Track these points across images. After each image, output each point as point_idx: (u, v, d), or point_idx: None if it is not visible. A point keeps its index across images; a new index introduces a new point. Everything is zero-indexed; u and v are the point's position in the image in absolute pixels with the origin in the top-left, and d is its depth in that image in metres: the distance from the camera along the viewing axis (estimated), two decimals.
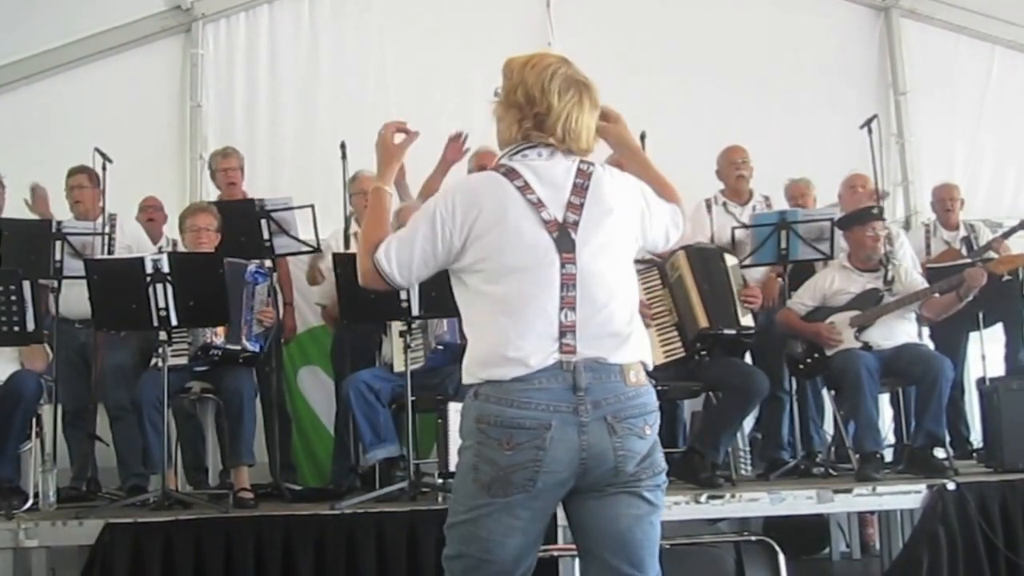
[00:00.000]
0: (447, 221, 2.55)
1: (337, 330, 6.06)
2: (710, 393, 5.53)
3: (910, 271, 5.85)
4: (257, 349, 5.33)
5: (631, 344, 2.55)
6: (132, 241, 5.98)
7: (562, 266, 2.51)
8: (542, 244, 2.51)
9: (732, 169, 6.32)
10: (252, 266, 5.44)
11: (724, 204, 6.30)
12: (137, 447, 5.20)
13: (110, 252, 5.77)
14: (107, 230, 5.83)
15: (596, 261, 2.54)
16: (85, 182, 5.99)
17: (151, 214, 6.50)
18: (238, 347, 5.23)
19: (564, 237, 2.53)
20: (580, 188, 2.58)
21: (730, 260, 5.54)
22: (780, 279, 6.03)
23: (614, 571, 2.53)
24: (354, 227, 6.00)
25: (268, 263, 5.72)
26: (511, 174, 2.57)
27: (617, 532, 2.52)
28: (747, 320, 5.41)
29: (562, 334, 2.48)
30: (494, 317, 2.52)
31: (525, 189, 2.55)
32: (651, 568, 2.55)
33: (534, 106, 2.59)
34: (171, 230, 6.40)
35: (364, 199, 6.04)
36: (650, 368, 2.62)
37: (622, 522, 2.51)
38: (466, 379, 2.56)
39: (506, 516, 2.47)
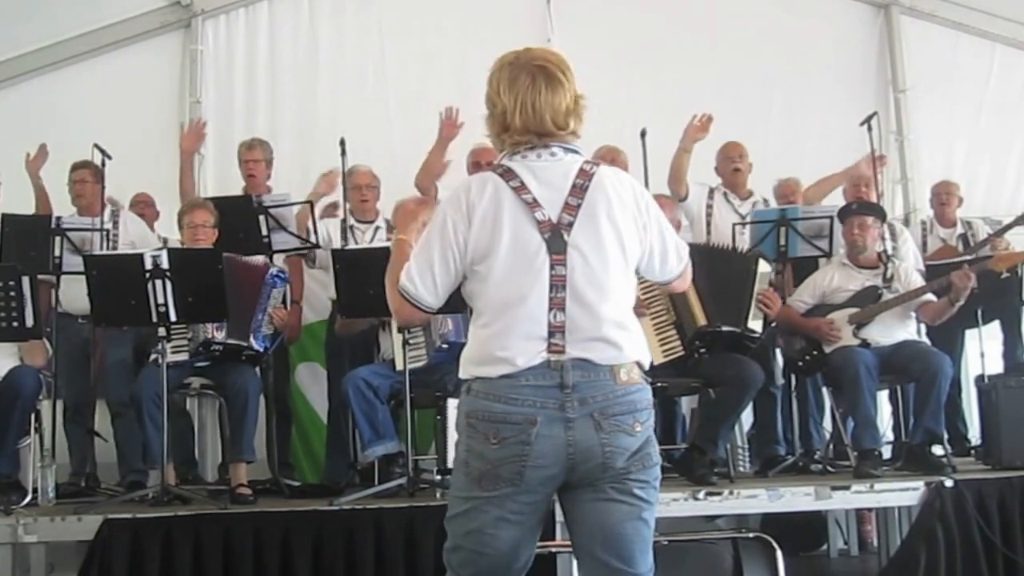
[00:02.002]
0: (458, 223, 2.56)
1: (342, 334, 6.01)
2: (710, 390, 5.53)
3: (909, 269, 5.85)
4: (262, 348, 5.32)
5: (623, 345, 2.55)
6: (136, 237, 5.99)
7: (552, 267, 2.51)
8: (533, 245, 2.52)
9: (728, 164, 6.34)
10: (274, 269, 5.47)
11: (725, 194, 6.31)
12: (138, 443, 5.20)
13: (113, 248, 5.77)
14: (107, 226, 5.84)
15: (588, 263, 2.54)
16: (88, 177, 5.98)
17: (141, 209, 6.50)
18: (244, 343, 5.22)
19: (556, 238, 2.53)
20: (579, 189, 2.58)
21: (764, 267, 5.46)
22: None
23: (604, 566, 2.54)
24: (350, 220, 6.02)
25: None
26: (507, 174, 2.58)
27: (606, 527, 2.53)
28: (756, 324, 5.40)
29: (551, 334, 2.50)
30: (486, 316, 2.56)
31: (520, 189, 2.55)
32: (642, 564, 2.56)
33: (496, 109, 2.61)
34: (162, 226, 6.42)
35: (360, 193, 6.05)
36: (646, 367, 2.62)
37: (611, 517, 2.53)
38: (461, 374, 2.59)
39: (497, 509, 2.50)
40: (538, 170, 2.59)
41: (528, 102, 2.57)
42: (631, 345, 2.57)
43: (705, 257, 5.42)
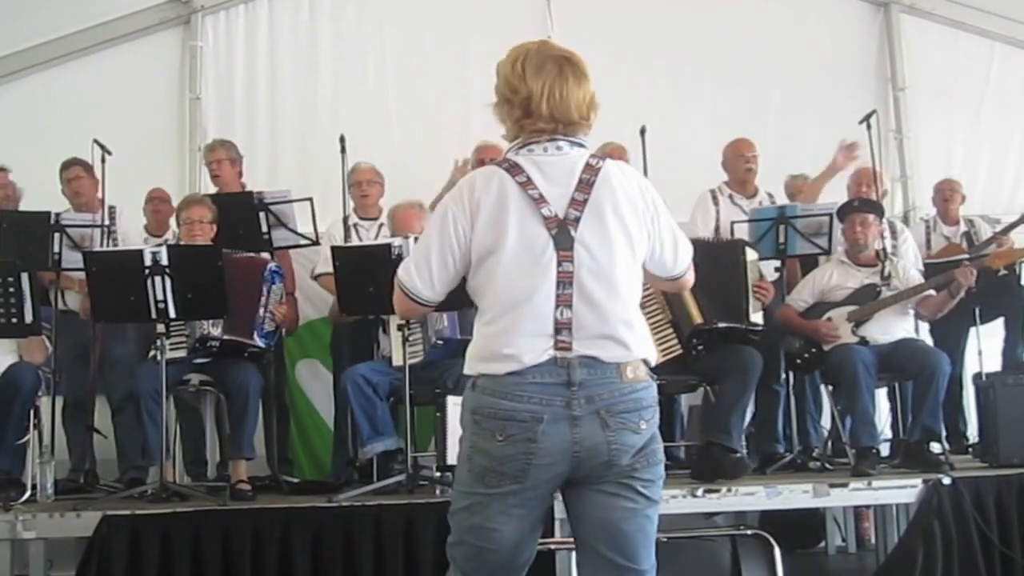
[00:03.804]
0: (459, 217, 2.56)
1: (336, 323, 6.05)
2: (708, 388, 5.53)
3: (908, 267, 5.86)
4: (264, 345, 5.33)
5: (630, 343, 2.54)
6: (123, 235, 5.96)
7: (559, 264, 2.50)
8: (540, 241, 2.51)
9: (741, 162, 6.22)
10: (272, 264, 5.47)
11: (730, 196, 6.22)
12: (137, 439, 5.20)
13: (112, 244, 5.77)
14: (107, 222, 5.82)
15: (595, 259, 2.52)
16: (81, 173, 5.98)
17: (156, 206, 6.45)
18: (247, 340, 5.23)
19: (563, 234, 2.51)
20: (585, 184, 2.56)
21: (751, 255, 5.48)
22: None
23: (607, 562, 2.55)
24: (353, 218, 6.01)
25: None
26: (513, 169, 2.57)
27: (610, 524, 2.53)
28: (757, 317, 5.40)
29: (557, 331, 2.49)
30: (492, 312, 2.54)
31: (527, 185, 2.54)
32: (644, 560, 2.56)
33: (518, 94, 2.59)
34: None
35: (361, 189, 6.05)
36: (652, 364, 2.62)
37: (616, 514, 2.53)
38: (467, 370, 2.59)
39: (500, 505, 2.50)
40: (544, 165, 2.57)
41: (556, 90, 2.56)
42: (638, 343, 2.57)
43: (696, 252, 5.43)
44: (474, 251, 2.56)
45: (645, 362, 2.59)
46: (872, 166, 6.23)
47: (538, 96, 2.57)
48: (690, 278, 2.85)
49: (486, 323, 2.57)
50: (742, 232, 5.91)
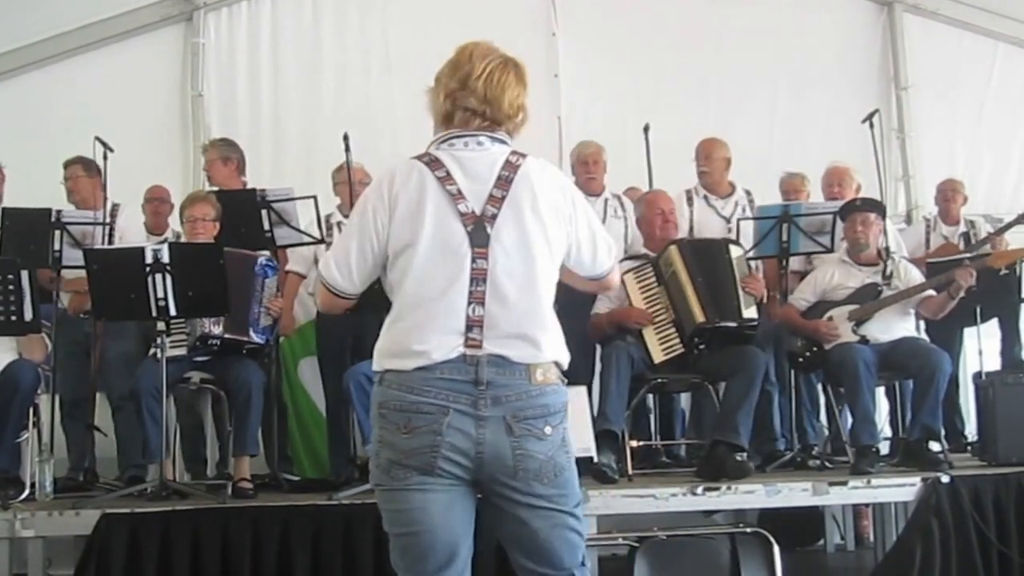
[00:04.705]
0: (379, 210, 2.55)
1: (322, 321, 6.02)
2: (710, 386, 5.53)
3: (909, 267, 5.86)
4: (263, 341, 5.33)
5: (542, 344, 2.52)
6: (121, 233, 5.96)
7: (473, 260, 2.48)
8: (456, 237, 2.49)
9: (696, 166, 6.27)
10: (262, 258, 5.45)
11: (705, 197, 6.22)
12: (138, 437, 5.19)
13: (111, 241, 5.78)
14: (108, 219, 5.83)
15: (510, 257, 2.51)
16: (80, 172, 5.98)
17: (156, 207, 6.44)
18: (243, 338, 5.22)
19: (479, 231, 2.50)
20: (504, 181, 2.55)
21: (735, 251, 5.50)
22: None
23: (533, 572, 2.55)
24: (337, 216, 6.00)
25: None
26: (433, 164, 2.56)
27: (527, 539, 2.53)
28: (750, 312, 5.40)
29: (469, 328, 2.47)
30: (405, 308, 2.53)
31: (445, 180, 2.53)
32: (570, 563, 2.55)
33: (458, 71, 2.61)
34: (176, 221, 6.40)
35: (347, 188, 6.02)
36: (564, 367, 2.60)
37: (530, 527, 2.51)
38: (374, 367, 2.56)
39: (415, 493, 2.48)
40: (464, 160, 2.56)
41: (495, 76, 2.58)
42: (550, 344, 2.54)
43: (693, 251, 5.45)
44: (391, 245, 2.53)
45: (557, 365, 2.57)
46: (876, 164, 6.21)
47: (476, 75, 2.58)
48: (614, 279, 2.84)
49: (397, 318, 2.54)
50: (746, 230, 5.93)
